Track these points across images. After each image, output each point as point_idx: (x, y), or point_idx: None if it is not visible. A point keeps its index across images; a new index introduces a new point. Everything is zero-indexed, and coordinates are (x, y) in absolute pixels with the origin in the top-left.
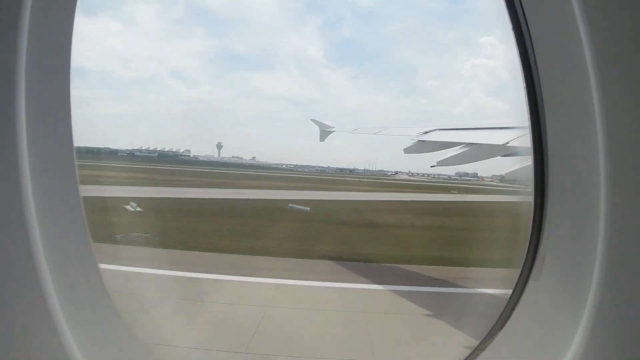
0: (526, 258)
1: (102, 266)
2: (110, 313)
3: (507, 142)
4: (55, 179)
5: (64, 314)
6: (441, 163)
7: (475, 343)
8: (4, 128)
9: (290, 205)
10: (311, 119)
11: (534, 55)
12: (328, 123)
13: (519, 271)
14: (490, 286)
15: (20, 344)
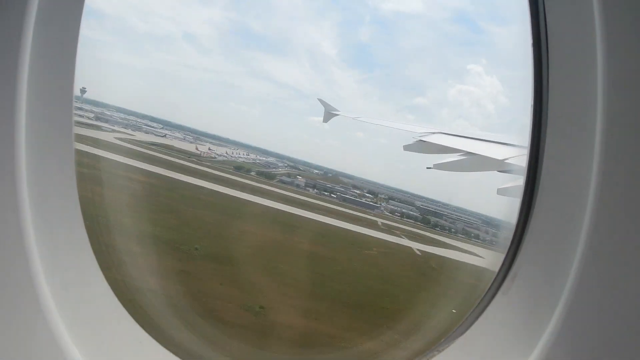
0: (499, 271)
1: None
2: (108, 302)
3: (506, 159)
4: (50, 166)
5: (56, 303)
6: (438, 167)
7: None
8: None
9: None
10: (318, 99)
11: (548, 81)
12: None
13: (489, 283)
14: None
15: (13, 338)
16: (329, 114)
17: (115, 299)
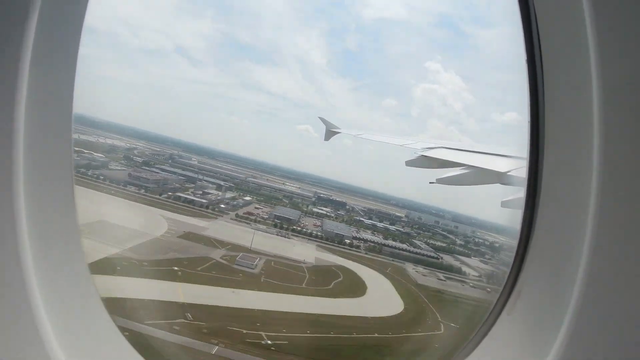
0: (503, 291)
1: None
2: (98, 311)
3: (508, 171)
4: (49, 177)
5: (46, 310)
6: (441, 181)
7: None
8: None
9: None
10: (319, 117)
11: (543, 91)
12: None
13: (493, 303)
14: None
15: (3, 341)
16: (330, 132)
17: (108, 315)
